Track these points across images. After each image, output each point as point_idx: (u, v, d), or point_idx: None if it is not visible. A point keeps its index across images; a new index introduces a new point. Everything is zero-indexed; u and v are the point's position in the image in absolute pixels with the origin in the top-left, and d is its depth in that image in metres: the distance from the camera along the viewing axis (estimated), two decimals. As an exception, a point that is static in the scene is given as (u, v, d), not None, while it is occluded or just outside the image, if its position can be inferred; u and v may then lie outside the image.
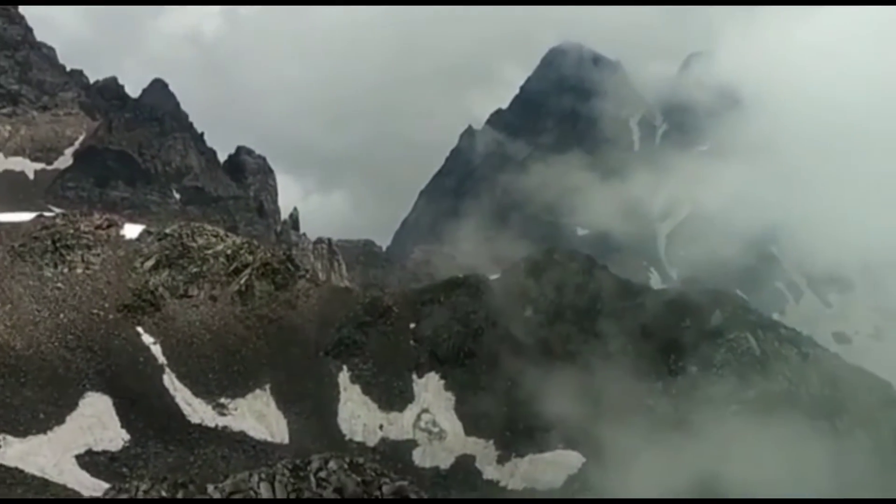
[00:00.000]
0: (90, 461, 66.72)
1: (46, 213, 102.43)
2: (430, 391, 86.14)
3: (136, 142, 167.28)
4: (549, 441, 78.77)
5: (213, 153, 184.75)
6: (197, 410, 76.74)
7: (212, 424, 75.74)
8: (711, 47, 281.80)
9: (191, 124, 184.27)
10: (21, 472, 60.47)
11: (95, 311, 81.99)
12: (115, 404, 72.97)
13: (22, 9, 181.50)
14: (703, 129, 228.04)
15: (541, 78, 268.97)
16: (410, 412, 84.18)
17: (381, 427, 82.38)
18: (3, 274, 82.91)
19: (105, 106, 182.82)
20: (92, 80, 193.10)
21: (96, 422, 70.53)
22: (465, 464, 79.26)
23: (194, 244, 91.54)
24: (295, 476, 50.51)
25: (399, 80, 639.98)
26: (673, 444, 70.43)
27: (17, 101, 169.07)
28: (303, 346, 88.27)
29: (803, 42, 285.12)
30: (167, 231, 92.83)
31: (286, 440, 77.47)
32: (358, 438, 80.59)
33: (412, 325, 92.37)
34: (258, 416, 78.81)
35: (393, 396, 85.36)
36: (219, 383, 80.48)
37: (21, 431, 66.19)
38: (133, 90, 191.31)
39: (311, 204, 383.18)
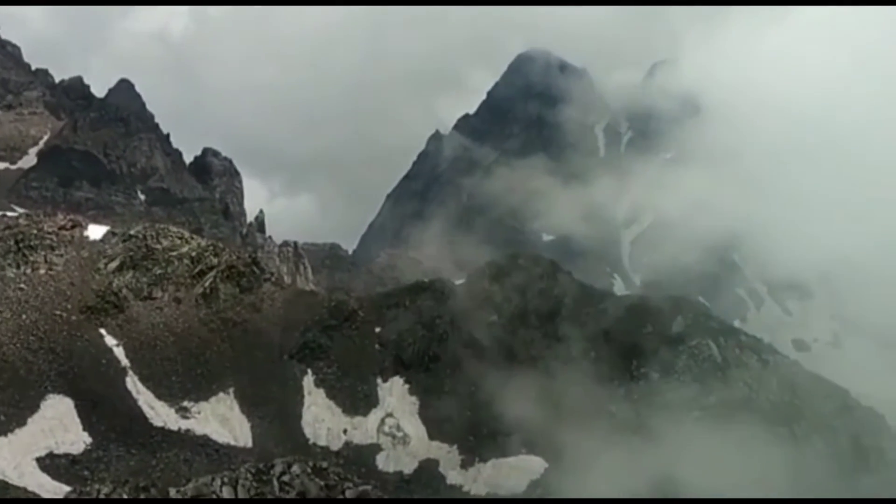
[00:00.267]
0: (51, 464, 66.30)
1: (9, 214, 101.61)
2: (395, 395, 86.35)
3: (102, 142, 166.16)
4: (511, 446, 79.29)
5: (179, 154, 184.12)
6: (160, 413, 76.41)
7: (174, 428, 75.48)
8: (675, 56, 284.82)
9: (157, 125, 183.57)
10: (-19, 474, 60.09)
11: (58, 312, 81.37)
12: (76, 406, 72.48)
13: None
14: (667, 136, 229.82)
15: (508, 84, 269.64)
16: (374, 416, 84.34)
17: (345, 431, 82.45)
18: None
19: (70, 105, 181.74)
20: (57, 80, 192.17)
21: (58, 424, 70.04)
22: (428, 468, 79.55)
23: (159, 246, 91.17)
24: (258, 480, 50.59)
25: (367, 83, 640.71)
26: (634, 449, 71.32)
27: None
28: (267, 349, 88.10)
29: (764, 52, 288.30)
30: (131, 232, 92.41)
31: (249, 444, 77.33)
32: (322, 442, 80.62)
33: (377, 330, 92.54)
34: (221, 420, 78.61)
35: (357, 400, 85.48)
36: (182, 386, 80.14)
37: (-19, 433, 65.68)
38: (99, 90, 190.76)
39: (277, 207, 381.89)
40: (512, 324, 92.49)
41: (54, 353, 76.89)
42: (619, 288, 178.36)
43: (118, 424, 72.77)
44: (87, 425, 71.36)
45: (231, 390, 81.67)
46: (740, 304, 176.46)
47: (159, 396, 78.19)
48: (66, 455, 67.91)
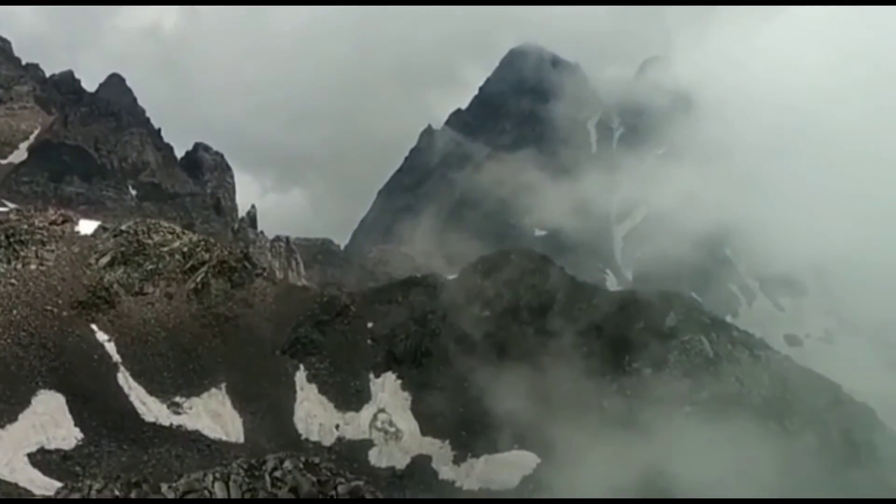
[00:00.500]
0: (42, 460, 66.11)
1: (0, 209, 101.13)
2: (387, 391, 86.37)
3: (93, 137, 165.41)
4: (504, 441, 79.36)
5: (171, 149, 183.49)
6: (151, 409, 76.27)
7: (166, 423, 75.33)
8: (667, 52, 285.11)
9: (148, 119, 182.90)
10: (-28, 470, 59.94)
11: (49, 307, 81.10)
12: (68, 402, 72.27)
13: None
14: (659, 131, 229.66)
15: (500, 79, 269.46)
16: (367, 412, 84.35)
17: (337, 427, 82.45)
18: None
19: (61, 100, 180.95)
20: (48, 74, 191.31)
21: (49, 420, 69.83)
22: (421, 464, 79.57)
23: (150, 241, 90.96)
24: (250, 476, 50.49)
25: (359, 78, 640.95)
26: (625, 444, 71.39)
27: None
28: (259, 344, 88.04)
29: (756, 47, 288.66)
30: (123, 227, 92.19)
31: (241, 439, 77.21)
32: (314, 438, 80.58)
33: (369, 325, 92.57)
34: (213, 415, 78.49)
35: (349, 396, 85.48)
36: (173, 382, 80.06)
37: (-28, 429, 65.49)
38: (90, 84, 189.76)
39: (269, 202, 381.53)
40: (504, 318, 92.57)
41: (45, 349, 76.58)
42: (611, 283, 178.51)
43: (110, 420, 72.60)
44: (79, 421, 71.15)
45: (223, 386, 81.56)
46: (732, 299, 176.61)
47: (151, 392, 78.05)
48: (58, 451, 67.70)
